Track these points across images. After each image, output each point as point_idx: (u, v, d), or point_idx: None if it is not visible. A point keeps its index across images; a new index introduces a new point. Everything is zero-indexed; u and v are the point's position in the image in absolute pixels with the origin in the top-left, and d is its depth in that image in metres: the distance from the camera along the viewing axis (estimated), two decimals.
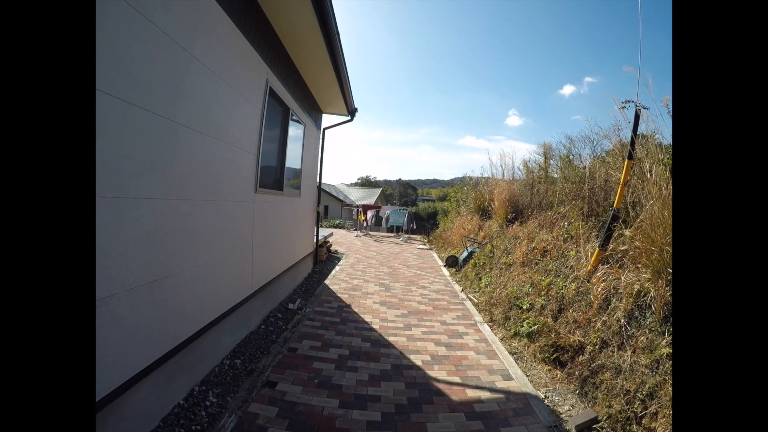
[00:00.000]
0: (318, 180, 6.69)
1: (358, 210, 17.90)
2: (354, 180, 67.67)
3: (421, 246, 12.81)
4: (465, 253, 8.15)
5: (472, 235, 9.36)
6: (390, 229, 18.72)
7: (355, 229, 18.27)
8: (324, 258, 7.85)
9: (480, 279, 6.91)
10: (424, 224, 25.18)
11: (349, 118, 6.65)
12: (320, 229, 9.48)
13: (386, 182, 73.92)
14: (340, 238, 14.15)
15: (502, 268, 6.35)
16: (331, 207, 30.56)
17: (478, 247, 8.16)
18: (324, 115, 6.80)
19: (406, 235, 16.26)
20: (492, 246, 7.37)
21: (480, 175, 13.22)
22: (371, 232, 18.26)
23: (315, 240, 6.76)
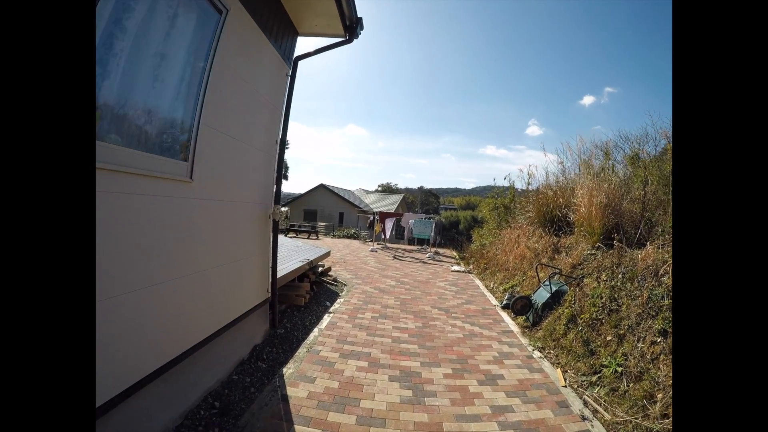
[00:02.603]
0: (276, 157, 3.49)
1: (374, 218, 14.70)
2: (375, 187, 64.50)
3: (456, 268, 9.46)
4: (545, 294, 4.81)
5: (545, 260, 5.98)
6: (412, 241, 15.44)
7: (371, 241, 15.09)
8: (305, 301, 4.67)
9: (592, 353, 3.60)
10: (446, 233, 21.76)
11: (345, 36, 3.47)
12: (311, 246, 6.19)
13: (408, 190, 70.76)
14: (350, 254, 11.00)
15: (657, 342, 2.98)
16: (346, 215, 27.61)
17: (567, 284, 4.81)
18: (301, 40, 3.66)
19: (433, 250, 12.94)
20: (610, 288, 3.99)
21: (529, 179, 9.90)
22: (390, 245, 15.05)
23: (270, 278, 3.52)
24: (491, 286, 7.28)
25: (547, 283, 4.99)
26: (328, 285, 6.03)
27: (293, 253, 5.60)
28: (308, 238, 17.30)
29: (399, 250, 13.31)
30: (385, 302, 5.32)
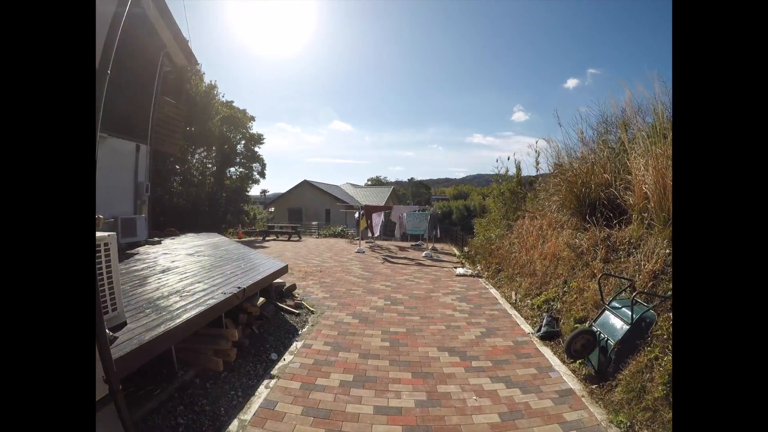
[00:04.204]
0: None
1: (360, 213, 12.83)
2: (364, 182, 62.22)
3: (461, 270, 7.66)
4: (617, 323, 3.03)
5: (596, 262, 4.20)
6: (405, 237, 13.60)
7: (358, 239, 13.27)
8: (230, 359, 2.79)
9: None
10: (440, 225, 20.03)
11: None
12: (267, 258, 4.06)
13: (398, 183, 68.78)
14: (332, 258, 9.14)
15: None
16: (333, 211, 25.67)
17: (652, 306, 3.02)
18: None
19: (430, 246, 11.16)
20: None
21: (537, 157, 8.45)
22: (381, 243, 13.23)
23: (99, 355, 1.65)
24: (513, 297, 5.50)
25: (616, 305, 3.20)
26: (287, 314, 4.18)
27: (231, 277, 3.73)
28: (289, 240, 15.40)
29: (391, 249, 11.49)
30: (367, 345, 3.48)
